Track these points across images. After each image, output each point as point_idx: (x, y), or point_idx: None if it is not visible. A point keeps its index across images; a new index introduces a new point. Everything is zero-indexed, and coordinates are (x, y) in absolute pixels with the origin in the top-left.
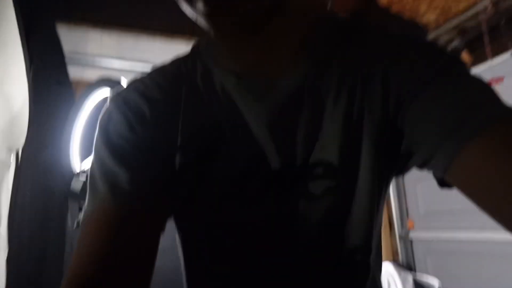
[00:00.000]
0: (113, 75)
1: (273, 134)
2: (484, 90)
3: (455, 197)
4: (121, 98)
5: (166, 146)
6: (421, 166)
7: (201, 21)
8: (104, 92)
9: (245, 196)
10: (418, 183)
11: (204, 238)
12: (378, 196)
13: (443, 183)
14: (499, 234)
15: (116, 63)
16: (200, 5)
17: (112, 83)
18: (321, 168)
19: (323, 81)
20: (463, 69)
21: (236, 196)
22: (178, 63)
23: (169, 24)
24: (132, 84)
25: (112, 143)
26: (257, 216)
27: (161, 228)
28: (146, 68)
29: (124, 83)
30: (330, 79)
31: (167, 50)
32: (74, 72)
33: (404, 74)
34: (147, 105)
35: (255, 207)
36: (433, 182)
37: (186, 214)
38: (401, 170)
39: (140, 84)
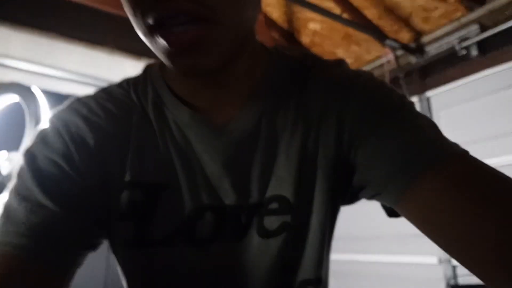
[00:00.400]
0: (22, 77)
1: (228, 171)
2: (430, 128)
3: (353, 224)
4: (60, 120)
5: (108, 182)
6: (372, 197)
7: (156, 52)
8: (11, 98)
9: (195, 236)
10: None
11: (148, 280)
12: (330, 227)
13: (391, 213)
14: (393, 257)
15: (25, 66)
16: (161, 42)
17: (22, 89)
18: (276, 203)
19: (278, 119)
20: (411, 109)
21: (186, 237)
22: (127, 87)
23: (90, 33)
24: (73, 106)
25: (41, 169)
26: (208, 257)
27: (67, 277)
28: (60, 74)
29: (35, 92)
30: (286, 117)
31: (86, 59)
32: None
33: (356, 114)
34: (91, 133)
35: (206, 247)
36: None
37: (129, 256)
38: (350, 200)
39: (83, 107)
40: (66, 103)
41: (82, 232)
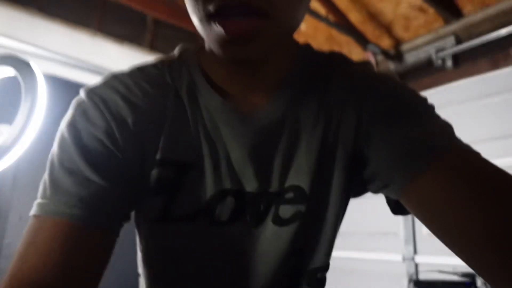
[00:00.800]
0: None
1: (253, 158)
2: (444, 128)
3: None
4: (98, 96)
5: (144, 159)
6: (379, 191)
7: (208, 38)
8: (6, 71)
9: (214, 217)
10: None
11: (167, 255)
12: (342, 218)
13: (396, 210)
14: (362, 253)
15: (3, 40)
16: (218, 29)
17: (19, 63)
18: (292, 193)
19: (302, 111)
20: (429, 110)
21: (207, 217)
22: (162, 68)
23: (72, 13)
24: (111, 83)
25: (86, 145)
26: (225, 238)
27: (115, 241)
28: (39, 52)
29: (34, 67)
30: (309, 109)
31: (67, 40)
32: None
33: (374, 108)
34: (130, 111)
35: (224, 229)
36: None
37: (153, 230)
38: (358, 193)
39: (121, 85)
40: (101, 78)
41: (124, 204)
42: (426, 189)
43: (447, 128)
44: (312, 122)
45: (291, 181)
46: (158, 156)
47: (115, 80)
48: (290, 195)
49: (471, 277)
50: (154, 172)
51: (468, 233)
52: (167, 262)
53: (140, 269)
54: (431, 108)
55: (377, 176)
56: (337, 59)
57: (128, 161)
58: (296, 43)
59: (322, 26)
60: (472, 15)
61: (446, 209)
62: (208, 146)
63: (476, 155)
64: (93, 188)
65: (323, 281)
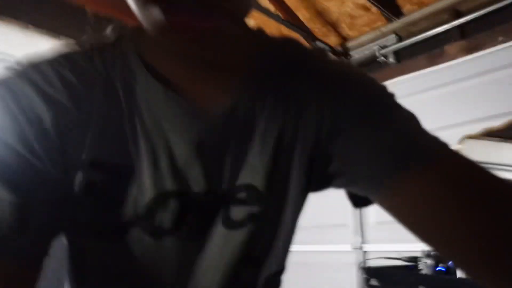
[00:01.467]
0: None
1: (200, 156)
2: (412, 120)
3: None
4: (7, 90)
5: (67, 164)
6: (344, 186)
7: (141, 15)
8: None
9: (154, 225)
10: None
11: (98, 272)
12: (299, 218)
13: (357, 203)
14: (314, 246)
15: None
16: (155, 12)
17: None
18: (244, 192)
19: (257, 107)
20: (397, 104)
21: (145, 225)
22: (93, 54)
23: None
24: (25, 72)
25: None
26: (168, 248)
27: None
28: None
29: None
30: (265, 105)
31: None
32: None
33: (339, 105)
34: (48, 108)
35: (166, 238)
36: None
37: (79, 243)
38: (320, 188)
39: (38, 75)
40: (14, 64)
41: (48, 225)
42: (402, 190)
43: (415, 123)
44: (268, 119)
45: (243, 179)
46: (83, 158)
47: (31, 70)
48: (242, 194)
49: (415, 261)
50: (79, 177)
51: (450, 235)
52: (98, 282)
53: None
54: (394, 99)
55: (345, 174)
56: (293, 47)
57: (49, 170)
58: (249, 29)
59: (271, 23)
60: (411, 14)
61: (424, 211)
62: (146, 143)
63: (454, 153)
64: (7, 208)
65: (278, 284)
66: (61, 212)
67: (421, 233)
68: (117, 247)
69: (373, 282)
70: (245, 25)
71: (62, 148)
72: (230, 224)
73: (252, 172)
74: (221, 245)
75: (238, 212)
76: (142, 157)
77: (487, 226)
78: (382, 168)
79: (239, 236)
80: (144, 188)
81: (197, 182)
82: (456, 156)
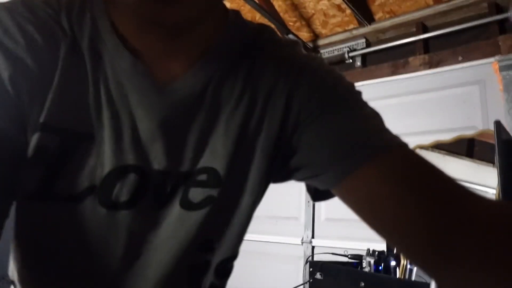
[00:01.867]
0: None
1: (163, 133)
2: (376, 118)
3: None
4: None
5: (25, 125)
6: (305, 179)
7: None
8: None
9: (111, 197)
10: None
11: (47, 240)
12: (256, 206)
13: (316, 197)
14: (266, 236)
15: None
16: None
17: None
18: (205, 175)
19: (225, 90)
20: (359, 97)
21: (101, 197)
22: (57, 8)
23: None
24: None
25: None
26: (123, 222)
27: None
28: None
29: None
30: (233, 89)
31: None
32: None
33: (305, 97)
34: (7, 64)
35: (122, 211)
36: None
37: (30, 209)
38: (281, 179)
39: None
40: None
41: (5, 179)
42: (360, 184)
43: (379, 121)
44: (234, 103)
45: (204, 162)
46: (41, 119)
47: None
48: (202, 177)
49: (358, 258)
50: (34, 138)
51: (405, 229)
52: (45, 250)
53: (12, 267)
54: (361, 97)
55: (307, 166)
56: (267, 35)
57: (8, 128)
58: (224, 7)
59: (247, 8)
60: (382, 22)
61: (380, 204)
62: (110, 113)
63: (412, 153)
64: None
65: (230, 270)
66: (16, 174)
67: (376, 224)
68: (69, 215)
69: (318, 275)
70: (219, 2)
71: (20, 108)
72: (188, 205)
73: (214, 156)
74: (176, 225)
75: (196, 194)
76: (104, 127)
77: (432, 217)
78: (343, 162)
79: (195, 218)
80: (103, 159)
81: (158, 159)
82: (413, 154)
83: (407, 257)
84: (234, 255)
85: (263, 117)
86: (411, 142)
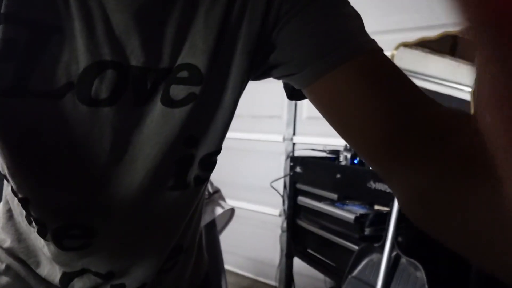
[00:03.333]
0: None
1: (139, 25)
2: (355, 20)
3: None
4: None
5: None
6: (282, 77)
7: None
8: None
9: (90, 94)
10: None
11: (26, 138)
12: (237, 102)
13: (292, 96)
14: (249, 134)
15: None
16: None
17: None
18: (186, 72)
19: None
20: None
21: (80, 93)
22: None
23: None
24: None
25: None
26: (104, 119)
27: None
28: None
29: None
30: None
31: None
32: None
33: None
34: None
35: (102, 108)
36: None
37: (6, 106)
38: (259, 77)
39: None
40: None
41: None
42: (332, 87)
43: (358, 23)
44: None
45: (184, 58)
46: (2, 11)
47: None
48: (184, 74)
49: (336, 153)
50: (0, 32)
51: (366, 132)
52: (31, 146)
53: (1, 161)
54: None
55: (283, 64)
56: None
57: None
58: None
59: None
60: None
61: (347, 106)
62: (78, 4)
63: (386, 59)
64: None
65: (213, 164)
66: None
67: (339, 125)
68: (49, 112)
69: (298, 169)
70: None
71: None
72: (169, 103)
73: (194, 51)
74: (160, 122)
75: (178, 91)
76: (74, 21)
77: (389, 118)
78: (316, 64)
79: (178, 115)
80: (77, 55)
81: (134, 54)
82: (385, 60)
83: (362, 156)
84: (217, 149)
85: (244, 11)
86: (396, 39)
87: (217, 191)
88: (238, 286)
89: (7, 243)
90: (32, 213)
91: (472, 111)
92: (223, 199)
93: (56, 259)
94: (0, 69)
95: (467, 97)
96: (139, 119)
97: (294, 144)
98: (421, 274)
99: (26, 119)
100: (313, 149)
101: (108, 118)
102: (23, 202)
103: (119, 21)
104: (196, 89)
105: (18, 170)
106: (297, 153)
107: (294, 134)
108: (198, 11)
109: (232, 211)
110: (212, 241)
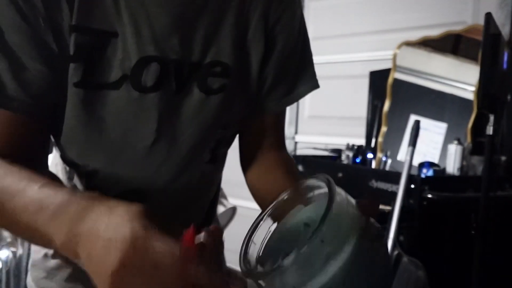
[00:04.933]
0: None
1: (177, 26)
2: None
3: None
4: None
5: (59, 27)
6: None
7: None
8: None
9: (141, 83)
10: None
11: (94, 126)
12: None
13: None
14: None
15: None
16: None
17: None
18: (220, 67)
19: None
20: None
21: (133, 83)
22: None
23: None
24: None
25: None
26: (152, 102)
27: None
28: None
29: None
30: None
31: None
32: None
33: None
34: None
35: (151, 94)
36: None
37: (78, 97)
38: None
39: None
40: None
41: (57, 81)
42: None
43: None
44: (236, 3)
45: (215, 55)
46: (73, 23)
47: None
48: (217, 69)
49: (338, 152)
50: (72, 39)
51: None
52: (91, 129)
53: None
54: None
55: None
56: None
57: (40, 32)
58: None
59: None
60: None
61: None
62: (128, 13)
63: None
64: (29, 74)
65: (233, 139)
66: (60, 73)
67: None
68: (111, 100)
69: (300, 168)
70: None
71: (48, 15)
72: (207, 90)
73: (223, 50)
74: (198, 107)
75: (212, 83)
76: (126, 27)
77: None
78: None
79: (213, 101)
80: (129, 53)
81: (174, 50)
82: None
83: (241, 158)
84: (237, 127)
85: (255, 11)
86: (398, 38)
87: None
88: None
89: (67, 273)
90: (98, 183)
91: (474, 110)
92: (225, 198)
93: None
94: (74, 67)
95: (470, 96)
96: (180, 106)
97: (296, 143)
98: (422, 274)
99: (91, 108)
100: (314, 148)
101: (154, 102)
102: (92, 173)
103: (161, 25)
104: (227, 81)
105: (92, 148)
106: (299, 152)
107: (296, 133)
108: (226, 15)
109: (233, 209)
110: None
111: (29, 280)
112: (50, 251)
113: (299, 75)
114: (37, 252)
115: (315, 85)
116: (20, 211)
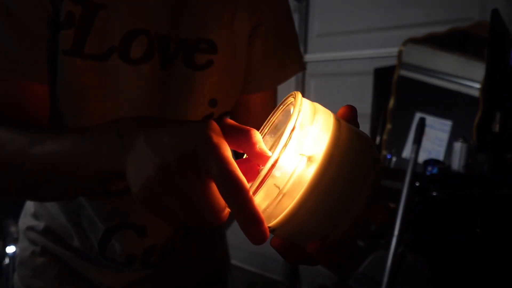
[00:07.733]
0: None
1: (166, 1)
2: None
3: None
4: None
5: None
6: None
7: None
8: None
9: (129, 55)
10: None
11: (83, 95)
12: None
13: None
14: None
15: None
16: None
17: None
18: (206, 44)
19: None
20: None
21: (121, 54)
22: None
23: None
24: None
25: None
26: (140, 75)
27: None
28: None
29: None
30: None
31: None
32: None
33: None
34: None
35: (138, 66)
36: None
37: (68, 65)
38: None
39: None
40: None
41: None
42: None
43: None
44: None
45: (202, 32)
46: None
47: None
48: (204, 46)
49: None
50: (63, 5)
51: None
52: (80, 99)
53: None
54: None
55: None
56: None
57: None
58: None
59: None
60: None
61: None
62: None
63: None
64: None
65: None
66: (53, 38)
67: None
68: (100, 70)
69: None
70: None
71: None
72: (193, 66)
73: (209, 27)
74: (185, 82)
75: (200, 58)
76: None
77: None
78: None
79: (200, 78)
80: (119, 24)
81: (162, 25)
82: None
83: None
84: (231, 110)
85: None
86: (404, 34)
87: None
88: (244, 280)
89: (41, 226)
90: None
91: (480, 107)
92: None
93: (98, 213)
94: (63, 34)
95: (475, 93)
96: (167, 79)
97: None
98: (427, 271)
99: (80, 78)
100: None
101: (143, 73)
102: None
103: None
104: (214, 57)
105: (81, 117)
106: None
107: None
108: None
109: None
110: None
111: (16, 279)
112: (38, 249)
113: (287, 53)
114: (25, 250)
115: (303, 66)
116: (62, 141)
